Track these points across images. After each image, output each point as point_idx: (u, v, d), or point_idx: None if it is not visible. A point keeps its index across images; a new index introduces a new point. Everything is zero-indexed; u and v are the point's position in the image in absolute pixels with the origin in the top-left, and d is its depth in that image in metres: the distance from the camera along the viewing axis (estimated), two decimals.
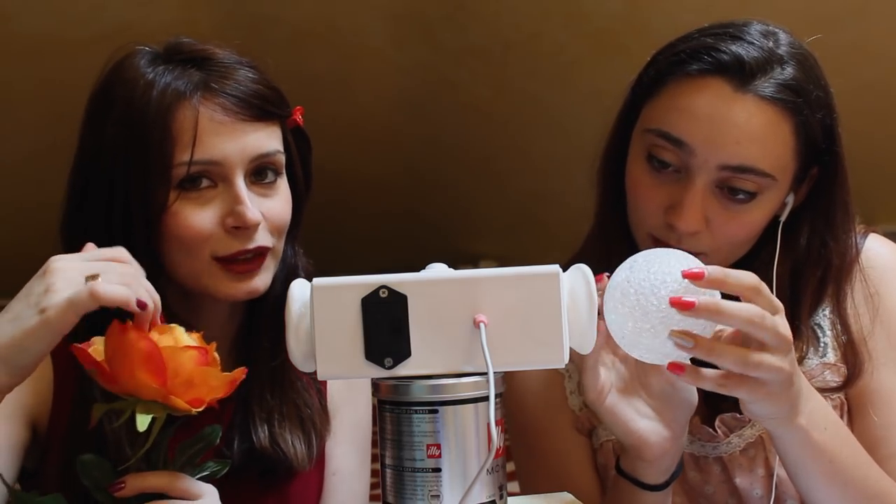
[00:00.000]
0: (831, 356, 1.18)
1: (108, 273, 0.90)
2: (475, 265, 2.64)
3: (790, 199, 1.15)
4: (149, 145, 1.07)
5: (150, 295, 0.92)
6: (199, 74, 1.10)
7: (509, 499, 0.90)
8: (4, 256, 2.50)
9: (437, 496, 0.86)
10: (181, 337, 0.91)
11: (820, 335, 1.19)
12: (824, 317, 1.19)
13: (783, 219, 1.16)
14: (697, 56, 1.11)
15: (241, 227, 1.07)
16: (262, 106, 1.10)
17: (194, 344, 0.91)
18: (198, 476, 0.97)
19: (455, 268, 0.90)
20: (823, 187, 1.16)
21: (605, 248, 1.21)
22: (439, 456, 0.86)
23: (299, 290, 0.89)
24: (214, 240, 1.08)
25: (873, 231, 1.24)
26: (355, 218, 2.63)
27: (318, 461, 1.22)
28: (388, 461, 0.89)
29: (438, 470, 0.86)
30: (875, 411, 1.14)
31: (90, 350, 0.91)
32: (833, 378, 1.16)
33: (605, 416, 1.02)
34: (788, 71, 1.10)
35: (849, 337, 1.17)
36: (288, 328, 0.88)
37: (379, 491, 0.92)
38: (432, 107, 2.41)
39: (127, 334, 0.88)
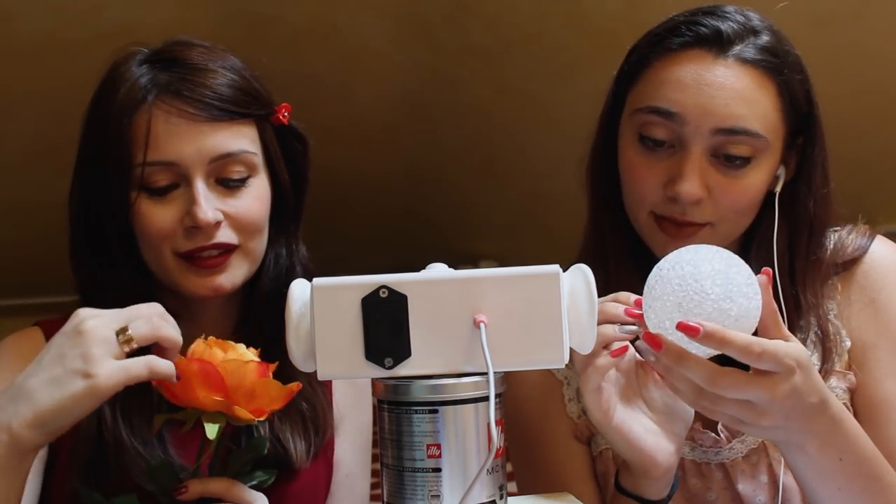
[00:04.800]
0: (836, 362, 1.18)
1: (136, 320, 0.93)
2: (475, 265, 2.64)
3: (782, 172, 1.16)
4: (109, 146, 1.11)
5: (174, 334, 0.95)
6: (164, 76, 1.13)
7: (509, 499, 0.90)
8: (4, 256, 2.51)
9: (437, 496, 0.86)
10: (244, 352, 0.97)
11: (825, 340, 1.18)
12: (829, 323, 1.19)
13: (778, 190, 1.16)
14: (676, 31, 1.14)
15: (196, 227, 1.10)
16: (224, 107, 1.12)
17: (255, 359, 0.96)
18: (248, 485, 1.02)
19: (455, 268, 0.90)
20: (807, 154, 1.17)
21: (601, 245, 1.21)
22: (439, 456, 0.86)
23: (299, 290, 0.89)
24: (175, 237, 1.12)
25: (878, 233, 1.24)
26: (355, 218, 2.63)
27: (324, 461, 1.23)
28: (388, 461, 0.89)
29: (438, 470, 0.86)
30: (886, 423, 1.13)
31: None
32: (838, 384, 1.16)
33: (612, 436, 1.01)
34: (764, 38, 1.13)
35: (825, 326, 1.17)
36: (288, 328, 0.88)
37: (379, 491, 0.92)
38: (432, 107, 2.41)
39: (178, 361, 0.94)
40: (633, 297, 0.98)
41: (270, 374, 0.97)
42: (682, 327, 0.90)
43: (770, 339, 0.93)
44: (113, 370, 0.89)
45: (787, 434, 0.96)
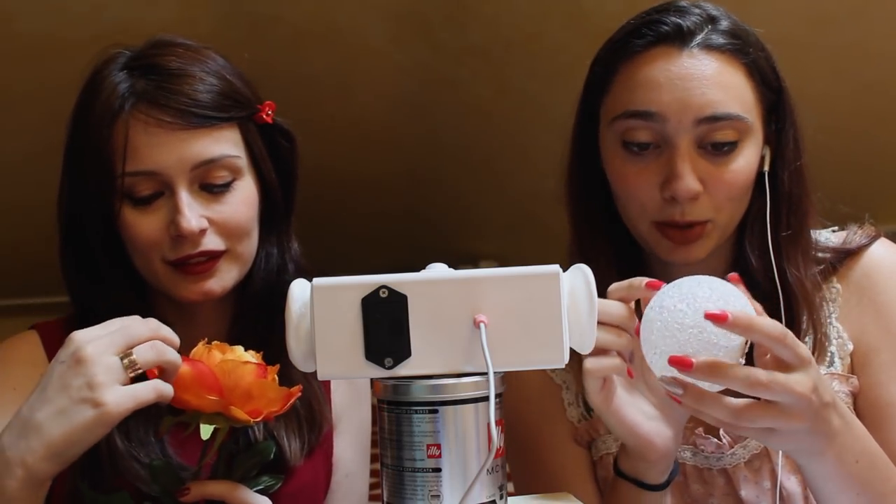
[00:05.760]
0: (838, 365, 1.17)
1: (136, 342, 0.93)
2: (475, 265, 2.64)
3: (766, 152, 1.16)
4: (90, 157, 1.11)
5: (176, 358, 0.95)
6: (141, 84, 1.11)
7: (509, 499, 0.90)
8: (4, 256, 2.51)
9: (437, 496, 0.86)
10: (242, 354, 0.97)
11: (827, 344, 1.18)
12: (830, 326, 1.19)
13: (767, 169, 1.16)
14: (637, 34, 1.14)
15: (181, 236, 1.10)
16: (203, 114, 1.11)
17: (253, 360, 0.96)
18: (254, 489, 1.02)
19: (455, 268, 0.90)
20: (780, 129, 1.17)
21: (583, 257, 1.21)
22: (439, 456, 0.86)
23: (299, 290, 0.89)
24: (162, 246, 1.12)
25: (882, 235, 1.24)
26: (355, 217, 2.63)
27: (323, 461, 1.23)
28: (388, 461, 0.89)
29: (438, 470, 0.86)
30: (891, 427, 1.12)
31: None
32: (841, 388, 1.16)
33: (610, 420, 1.01)
34: (723, 23, 1.14)
35: (816, 316, 1.16)
36: (288, 328, 0.88)
37: (379, 491, 0.92)
38: (432, 107, 2.41)
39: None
40: (644, 280, 0.98)
41: (271, 377, 0.97)
42: (709, 316, 0.88)
43: None
44: (121, 397, 0.89)
45: (810, 440, 0.96)
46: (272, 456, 1.09)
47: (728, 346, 0.91)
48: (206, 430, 0.95)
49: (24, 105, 2.20)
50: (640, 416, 1.01)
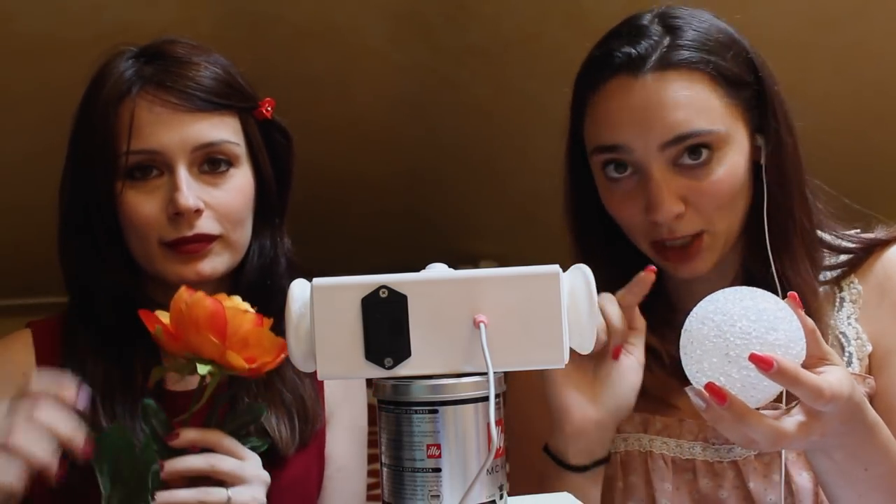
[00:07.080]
0: (856, 366, 1.17)
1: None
2: (475, 265, 2.63)
3: (761, 142, 1.16)
4: (95, 138, 1.14)
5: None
6: (149, 69, 1.16)
7: (509, 499, 0.90)
8: (4, 256, 2.50)
9: (437, 496, 0.86)
10: (240, 303, 1.01)
11: (845, 344, 1.18)
12: (849, 326, 1.18)
13: (764, 161, 1.15)
14: (596, 66, 1.15)
15: (179, 214, 1.12)
16: (207, 98, 1.15)
17: (252, 310, 1.01)
18: None
19: (455, 268, 0.90)
20: (764, 117, 1.16)
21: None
22: (439, 456, 0.86)
23: (299, 290, 0.89)
24: (160, 226, 1.14)
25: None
26: (354, 217, 2.63)
27: (315, 455, 1.24)
28: (387, 461, 0.89)
29: (438, 470, 0.86)
30: None
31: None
32: (859, 389, 1.16)
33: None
34: (683, 34, 1.11)
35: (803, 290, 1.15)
36: (288, 328, 0.88)
37: (378, 491, 0.92)
38: (432, 107, 2.40)
39: (195, 294, 0.99)
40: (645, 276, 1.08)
41: (267, 326, 1.00)
42: (754, 359, 0.88)
43: (813, 356, 0.94)
44: None
45: (815, 444, 0.97)
46: (262, 416, 1.12)
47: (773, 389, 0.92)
48: (202, 368, 0.98)
49: (24, 105, 2.20)
50: (567, 382, 1.08)
